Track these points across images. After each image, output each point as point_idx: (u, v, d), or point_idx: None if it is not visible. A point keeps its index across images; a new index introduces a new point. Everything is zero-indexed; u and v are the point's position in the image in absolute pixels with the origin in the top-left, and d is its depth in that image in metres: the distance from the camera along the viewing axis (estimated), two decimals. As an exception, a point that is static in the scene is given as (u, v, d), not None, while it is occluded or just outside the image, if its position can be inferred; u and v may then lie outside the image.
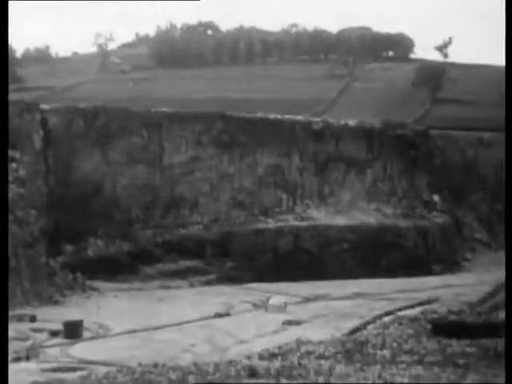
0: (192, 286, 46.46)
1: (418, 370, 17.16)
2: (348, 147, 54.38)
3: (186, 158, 50.61)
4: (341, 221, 51.06)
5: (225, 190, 50.86)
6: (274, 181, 52.03)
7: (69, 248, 45.67)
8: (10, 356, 24.25)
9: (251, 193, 51.26)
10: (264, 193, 51.57)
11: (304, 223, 50.19)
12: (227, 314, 37.13)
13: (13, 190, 38.37)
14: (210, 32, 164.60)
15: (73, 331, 31.84)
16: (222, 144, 51.18)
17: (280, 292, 42.47)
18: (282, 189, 52.09)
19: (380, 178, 55.07)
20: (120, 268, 45.66)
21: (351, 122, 55.35)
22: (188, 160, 50.60)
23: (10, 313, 23.99)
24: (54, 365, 26.36)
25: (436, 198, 56.93)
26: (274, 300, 39.45)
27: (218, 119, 51.47)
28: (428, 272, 50.23)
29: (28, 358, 27.22)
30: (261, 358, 19.27)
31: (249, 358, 19.29)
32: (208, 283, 46.64)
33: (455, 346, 19.92)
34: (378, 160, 55.28)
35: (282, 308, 38.13)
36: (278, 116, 54.16)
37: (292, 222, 50.31)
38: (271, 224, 49.94)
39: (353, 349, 19.82)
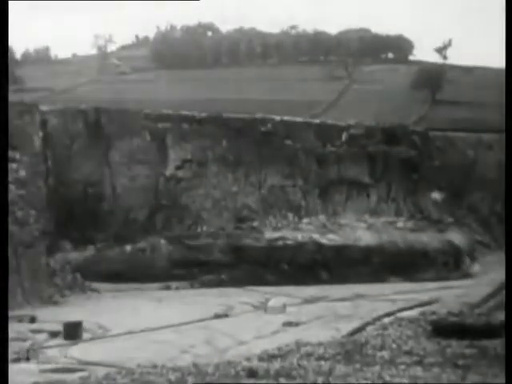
0: (192, 287, 46.36)
1: (418, 370, 17.13)
2: (350, 169, 53.86)
3: (190, 173, 50.26)
4: (364, 235, 49.57)
5: (228, 208, 50.34)
6: (277, 200, 51.51)
7: (69, 248, 45.65)
8: (10, 357, 24.20)
9: (255, 211, 50.77)
10: (268, 211, 51.00)
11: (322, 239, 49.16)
12: (226, 315, 37.06)
13: (12, 190, 38.35)
14: (209, 33, 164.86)
15: (72, 332, 31.76)
16: (226, 162, 50.79)
17: (280, 293, 42.36)
18: (286, 209, 51.55)
19: (384, 200, 54.35)
20: (120, 270, 45.52)
21: (352, 147, 54.03)
22: (192, 175, 50.24)
23: (10, 313, 23.91)
24: (54, 366, 26.29)
25: (437, 195, 56.77)
26: (274, 301, 39.32)
27: (223, 136, 50.74)
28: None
29: (28, 359, 27.17)
30: (260, 359, 19.23)
31: (248, 359, 19.25)
32: (208, 285, 46.48)
33: (455, 346, 19.86)
34: (381, 182, 54.65)
35: (281, 309, 38.02)
36: (280, 118, 53.82)
37: (307, 234, 49.30)
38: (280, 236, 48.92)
39: (352, 350, 19.78)
